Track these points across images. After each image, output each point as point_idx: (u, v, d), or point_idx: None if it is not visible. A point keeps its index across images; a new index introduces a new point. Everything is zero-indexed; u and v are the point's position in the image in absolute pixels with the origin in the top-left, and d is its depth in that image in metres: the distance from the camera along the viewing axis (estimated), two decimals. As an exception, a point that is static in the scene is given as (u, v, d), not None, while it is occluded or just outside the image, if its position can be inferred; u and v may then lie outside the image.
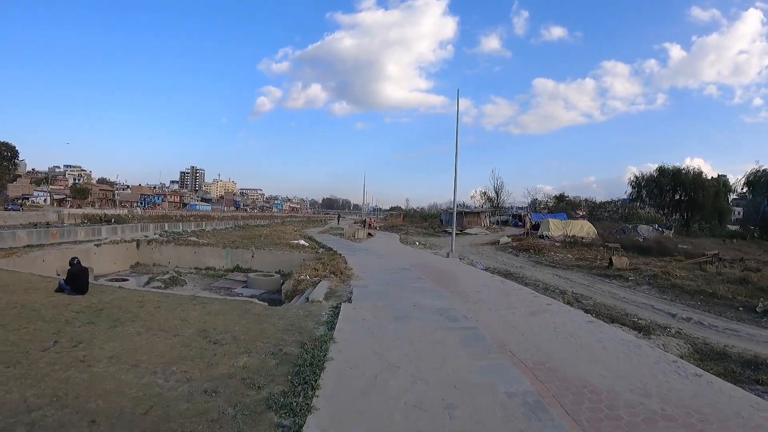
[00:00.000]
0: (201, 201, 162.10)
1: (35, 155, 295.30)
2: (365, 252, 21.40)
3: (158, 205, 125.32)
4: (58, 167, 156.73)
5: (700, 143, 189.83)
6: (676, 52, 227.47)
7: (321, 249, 21.93)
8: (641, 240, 32.25)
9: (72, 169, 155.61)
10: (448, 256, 19.98)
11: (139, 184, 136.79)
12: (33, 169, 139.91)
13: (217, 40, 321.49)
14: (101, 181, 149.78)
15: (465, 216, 52.51)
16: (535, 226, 35.36)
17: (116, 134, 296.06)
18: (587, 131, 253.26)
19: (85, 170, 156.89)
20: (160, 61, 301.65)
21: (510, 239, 29.93)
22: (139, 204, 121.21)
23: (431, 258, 19.61)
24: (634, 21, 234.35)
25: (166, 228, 31.63)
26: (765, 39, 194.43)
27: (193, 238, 25.27)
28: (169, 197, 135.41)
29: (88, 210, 78.82)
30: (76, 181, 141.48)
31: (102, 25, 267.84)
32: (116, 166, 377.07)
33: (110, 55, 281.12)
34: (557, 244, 28.92)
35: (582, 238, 30.94)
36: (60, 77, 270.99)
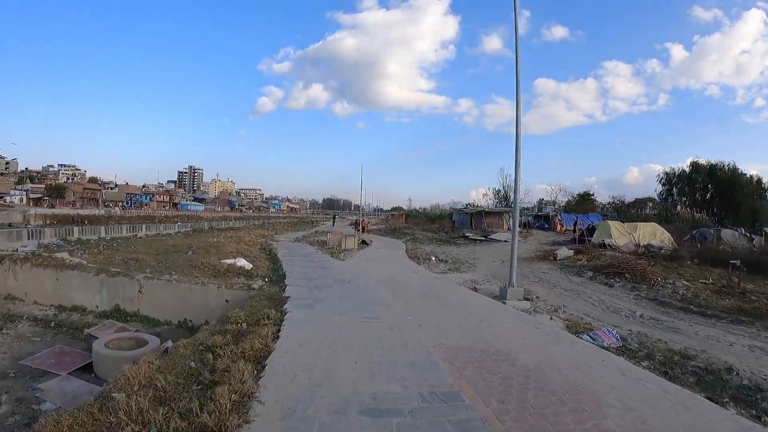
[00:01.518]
0: (194, 201, 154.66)
1: (35, 155, 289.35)
2: (343, 289, 10.85)
3: (145, 204, 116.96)
4: (52, 166, 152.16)
5: (702, 144, 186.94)
6: (677, 51, 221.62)
7: (267, 279, 12.83)
8: (729, 249, 23.14)
9: (66, 168, 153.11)
10: (506, 299, 10.59)
11: (126, 183, 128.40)
12: (26, 168, 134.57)
13: (218, 39, 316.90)
14: (91, 180, 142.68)
15: (485, 217, 43.33)
16: (590, 230, 26.05)
17: (116, 135, 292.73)
18: (589, 131, 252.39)
19: (79, 169, 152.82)
20: (160, 61, 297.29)
21: (569, 251, 20.62)
22: (124, 203, 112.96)
23: (483, 309, 9.18)
24: (636, 20, 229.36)
25: (76, 233, 22.50)
26: (767, 39, 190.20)
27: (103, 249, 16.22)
28: (157, 196, 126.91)
29: (62, 210, 72.02)
30: (69, 179, 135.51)
31: (103, 24, 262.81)
32: (115, 166, 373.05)
33: (111, 55, 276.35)
34: (623, 253, 19.69)
35: (660, 248, 21.72)
36: (59, 77, 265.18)
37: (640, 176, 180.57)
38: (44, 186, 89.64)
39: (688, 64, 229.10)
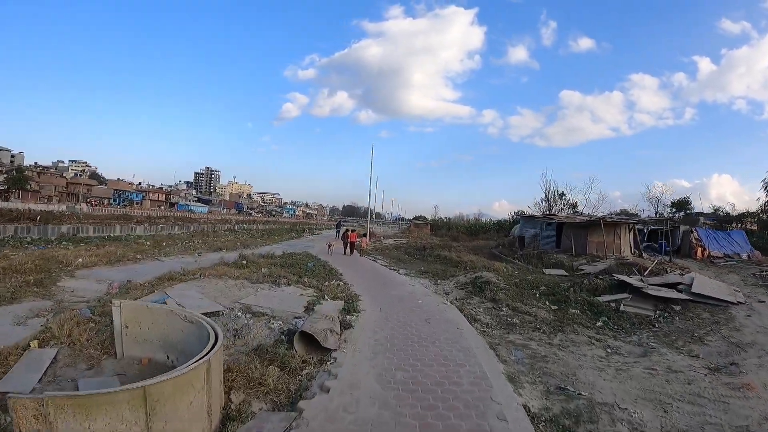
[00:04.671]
0: (198, 202, 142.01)
1: (54, 152, 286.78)
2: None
3: (137, 203, 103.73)
4: (62, 162, 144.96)
5: (728, 159, 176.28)
6: (705, 65, 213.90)
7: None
8: None
9: (76, 164, 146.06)
10: None
11: (117, 179, 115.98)
12: (35, 163, 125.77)
13: (244, 45, 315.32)
14: (92, 176, 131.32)
15: (590, 232, 26.52)
16: None
17: (140, 136, 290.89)
18: (613, 145, 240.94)
19: (89, 166, 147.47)
20: (186, 66, 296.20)
21: None
22: (110, 201, 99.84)
23: None
24: (663, 33, 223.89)
25: None
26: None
27: None
28: (151, 195, 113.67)
29: (17, 204, 59.01)
30: (77, 175, 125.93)
31: (133, 29, 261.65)
32: (137, 166, 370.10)
33: (141, 57, 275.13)
34: None
35: None
36: (85, 74, 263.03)
37: (665, 191, 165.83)
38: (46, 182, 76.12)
39: (715, 77, 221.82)
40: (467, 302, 12.53)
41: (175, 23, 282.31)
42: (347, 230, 25.06)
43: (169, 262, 16.15)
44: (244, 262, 15.58)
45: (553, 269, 22.03)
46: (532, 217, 36.68)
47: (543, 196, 55.81)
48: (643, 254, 25.26)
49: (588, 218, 29.60)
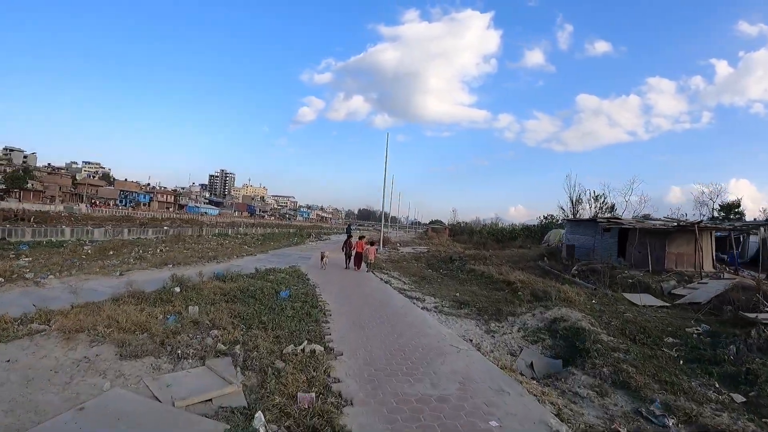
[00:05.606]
0: (209, 204, 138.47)
1: (71, 153, 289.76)
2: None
3: (144, 204, 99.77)
4: (76, 163, 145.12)
5: (746, 163, 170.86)
6: (722, 68, 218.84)
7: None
8: None
9: (90, 165, 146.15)
10: None
11: (125, 179, 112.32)
12: (48, 164, 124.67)
13: (261, 50, 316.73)
14: (103, 177, 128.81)
15: (666, 241, 20.06)
16: None
17: (157, 139, 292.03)
18: (630, 149, 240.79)
19: (103, 167, 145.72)
20: (205, 70, 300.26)
21: None
22: (116, 202, 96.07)
23: None
24: (680, 36, 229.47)
25: None
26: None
27: None
28: (159, 196, 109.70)
29: (11, 204, 55.63)
30: (90, 176, 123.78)
31: (151, 34, 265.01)
32: (153, 169, 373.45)
33: (160, 62, 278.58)
34: None
35: None
36: (105, 80, 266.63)
37: (682, 196, 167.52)
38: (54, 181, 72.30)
39: (732, 80, 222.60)
40: (575, 394, 6.19)
41: (193, 29, 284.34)
42: (350, 238, 18.86)
43: (51, 288, 10.21)
44: (177, 289, 9.56)
45: (636, 294, 15.65)
46: (583, 221, 29.97)
47: (567, 199, 49.72)
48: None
49: (673, 222, 22.72)
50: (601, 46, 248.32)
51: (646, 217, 30.81)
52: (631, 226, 22.04)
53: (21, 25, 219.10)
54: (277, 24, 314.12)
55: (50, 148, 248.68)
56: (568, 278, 19.20)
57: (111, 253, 18.08)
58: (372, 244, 18.22)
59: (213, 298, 9.23)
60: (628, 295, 15.25)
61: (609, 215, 43.89)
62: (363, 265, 17.62)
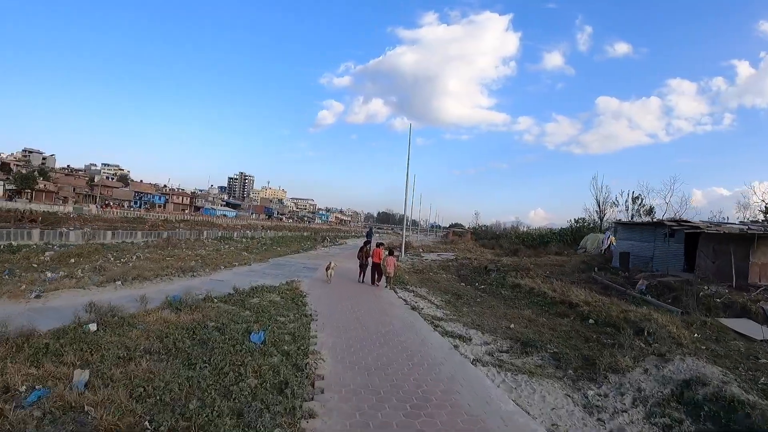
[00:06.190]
0: (226, 206, 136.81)
1: (92, 155, 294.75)
2: None
3: (159, 206, 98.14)
4: (95, 164, 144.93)
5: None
6: (743, 69, 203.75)
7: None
8: None
9: (109, 167, 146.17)
10: None
11: (141, 181, 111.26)
12: (68, 165, 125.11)
13: (280, 54, 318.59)
14: (121, 179, 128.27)
15: (750, 249, 15.88)
16: None
17: (178, 142, 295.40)
18: (651, 152, 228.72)
19: (122, 169, 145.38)
20: (226, 74, 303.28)
21: None
22: (131, 203, 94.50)
23: None
24: (701, 37, 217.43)
25: None
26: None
27: None
28: (175, 198, 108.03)
29: (17, 204, 54.13)
30: (109, 178, 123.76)
31: (168, 38, 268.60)
32: (173, 171, 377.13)
33: (181, 66, 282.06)
34: None
35: None
36: (124, 80, 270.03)
37: (703, 200, 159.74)
38: (9, 176, 70.72)
39: (754, 81, 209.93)
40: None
41: (213, 33, 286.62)
42: (367, 244, 15.10)
43: None
44: (92, 327, 5.98)
45: (736, 319, 11.72)
46: (640, 224, 25.73)
47: (593, 201, 47.67)
48: None
49: (756, 226, 18.33)
50: (621, 48, 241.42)
51: (723, 221, 26.21)
52: (708, 230, 17.75)
53: (52, 29, 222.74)
54: (296, 28, 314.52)
55: (72, 150, 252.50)
56: (638, 296, 15.12)
57: (73, 261, 14.75)
58: (392, 252, 14.36)
59: (134, 347, 5.57)
60: (726, 322, 11.17)
61: (648, 219, 39.21)
62: (383, 277, 13.88)
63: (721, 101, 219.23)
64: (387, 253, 13.95)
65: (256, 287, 10.87)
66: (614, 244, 33.05)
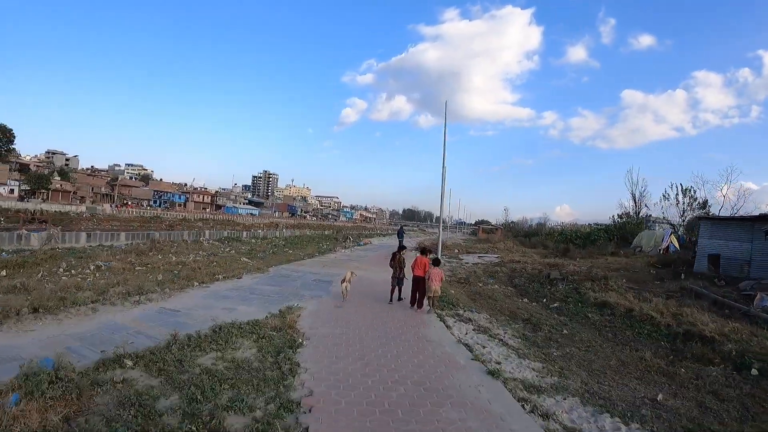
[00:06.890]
0: (249, 204, 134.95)
1: (124, 156, 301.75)
2: None
3: (179, 205, 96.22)
4: (118, 165, 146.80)
5: None
6: None
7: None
8: None
9: (133, 167, 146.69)
10: None
11: (161, 180, 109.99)
12: (92, 166, 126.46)
13: (302, 54, 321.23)
14: (144, 178, 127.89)
15: None
16: None
17: (203, 141, 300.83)
18: (677, 146, 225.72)
19: (146, 169, 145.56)
20: (251, 75, 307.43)
21: None
22: (150, 203, 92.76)
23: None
24: (726, 27, 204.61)
25: None
26: None
27: None
28: (195, 197, 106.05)
29: (27, 205, 52.20)
30: (133, 178, 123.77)
31: (197, 43, 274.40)
32: (198, 171, 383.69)
33: (206, 70, 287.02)
34: None
35: None
36: (151, 81, 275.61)
37: (731, 195, 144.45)
38: (24, 176, 69.05)
39: None
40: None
41: (237, 37, 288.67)
42: (402, 250, 10.63)
43: None
44: None
45: None
46: (734, 220, 20.98)
47: (629, 195, 44.46)
48: None
49: None
50: (645, 40, 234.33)
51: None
52: None
53: (81, 32, 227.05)
54: (317, 28, 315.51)
55: (100, 152, 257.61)
56: (763, 316, 10.50)
57: (4, 273, 10.85)
58: (437, 263, 9.86)
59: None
60: None
61: (702, 212, 33.89)
62: (425, 301, 9.48)
63: (749, 93, 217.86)
64: (433, 263, 9.47)
65: (222, 326, 6.60)
66: (673, 243, 28.14)
